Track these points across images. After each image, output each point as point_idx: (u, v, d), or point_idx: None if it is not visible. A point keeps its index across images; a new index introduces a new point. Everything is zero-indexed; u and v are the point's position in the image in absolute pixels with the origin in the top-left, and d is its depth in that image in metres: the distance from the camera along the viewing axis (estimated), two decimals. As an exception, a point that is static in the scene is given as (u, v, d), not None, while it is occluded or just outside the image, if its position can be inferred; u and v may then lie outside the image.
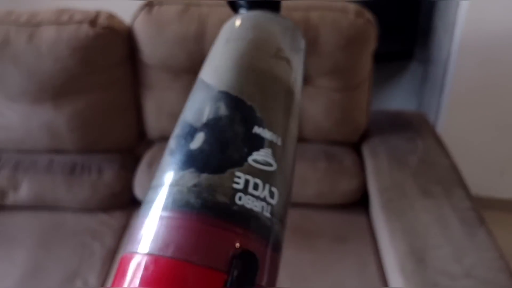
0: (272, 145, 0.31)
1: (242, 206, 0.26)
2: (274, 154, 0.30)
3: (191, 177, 0.28)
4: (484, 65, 1.64)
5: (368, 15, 1.27)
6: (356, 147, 1.45)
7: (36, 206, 1.38)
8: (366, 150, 1.40)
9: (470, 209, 1.12)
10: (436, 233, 1.06)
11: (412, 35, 3.18)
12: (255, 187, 0.28)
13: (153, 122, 1.43)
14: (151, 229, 0.26)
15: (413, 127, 1.47)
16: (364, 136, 1.45)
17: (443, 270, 0.96)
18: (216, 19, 1.26)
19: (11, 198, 1.36)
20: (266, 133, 0.31)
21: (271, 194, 0.28)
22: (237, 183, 0.27)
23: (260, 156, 0.29)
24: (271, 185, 0.29)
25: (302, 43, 0.40)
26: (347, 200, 1.35)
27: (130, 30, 1.33)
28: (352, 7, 1.27)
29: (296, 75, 0.37)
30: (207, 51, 1.35)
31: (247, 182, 0.27)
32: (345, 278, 1.15)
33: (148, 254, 0.25)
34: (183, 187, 0.27)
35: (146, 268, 0.24)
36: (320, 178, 1.33)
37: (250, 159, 0.29)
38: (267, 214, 0.27)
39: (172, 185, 0.28)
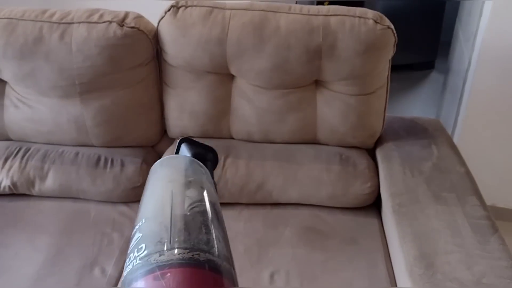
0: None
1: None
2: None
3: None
4: (503, 76, 1.64)
5: (387, 21, 1.29)
6: (370, 152, 1.48)
7: (60, 196, 1.44)
8: (380, 155, 1.43)
9: (483, 218, 1.13)
10: (447, 239, 1.07)
11: (434, 46, 3.20)
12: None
13: (174, 120, 1.48)
14: None
15: (429, 134, 1.49)
16: (379, 141, 1.48)
17: (453, 276, 0.97)
18: (238, 22, 1.30)
19: (38, 188, 1.43)
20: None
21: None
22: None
23: None
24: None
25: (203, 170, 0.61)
26: (359, 204, 1.37)
27: (156, 31, 1.39)
28: (372, 13, 1.29)
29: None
30: (229, 53, 1.41)
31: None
32: (354, 279, 1.17)
33: None
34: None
35: None
36: (333, 181, 1.36)
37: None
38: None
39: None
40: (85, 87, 1.38)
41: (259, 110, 1.40)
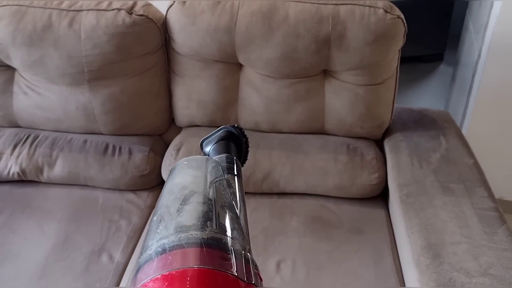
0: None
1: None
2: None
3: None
4: (513, 67, 1.63)
5: (397, 11, 1.28)
6: (378, 143, 1.47)
7: (69, 183, 1.45)
8: (388, 146, 1.42)
9: (491, 209, 1.13)
10: (454, 230, 1.07)
11: (443, 38, 3.17)
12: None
13: (182, 109, 1.48)
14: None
15: (437, 125, 1.48)
16: (387, 132, 1.47)
17: (459, 266, 0.97)
18: (247, 11, 1.30)
19: (47, 174, 1.44)
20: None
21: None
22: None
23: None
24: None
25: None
26: (367, 194, 1.37)
27: (165, 19, 1.38)
28: (382, 2, 1.28)
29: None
30: (237, 42, 1.40)
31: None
32: (360, 268, 1.18)
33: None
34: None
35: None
36: (340, 171, 1.36)
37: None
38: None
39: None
40: (94, 74, 1.38)
41: (267, 99, 1.40)
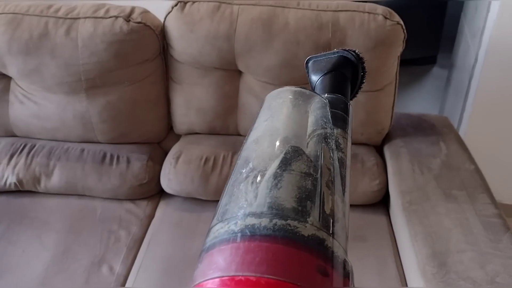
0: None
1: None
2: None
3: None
4: (510, 72, 1.63)
5: (397, 17, 1.28)
6: (378, 149, 1.47)
7: (66, 193, 1.43)
8: (388, 152, 1.42)
9: (494, 216, 1.13)
10: (459, 238, 1.07)
11: (437, 41, 3.19)
12: None
13: (181, 116, 1.47)
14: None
15: (437, 131, 1.48)
16: (387, 138, 1.47)
17: (466, 275, 0.97)
18: (247, 18, 1.29)
19: (44, 184, 1.41)
20: None
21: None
22: None
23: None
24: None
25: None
26: (368, 201, 1.36)
27: (163, 26, 1.37)
28: (381, 8, 1.28)
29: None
30: (237, 49, 1.39)
31: None
32: (364, 276, 1.17)
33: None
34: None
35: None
36: (342, 178, 1.35)
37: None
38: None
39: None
40: (91, 83, 1.36)
41: (267, 106, 1.39)
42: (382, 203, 1.40)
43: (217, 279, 0.27)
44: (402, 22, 1.28)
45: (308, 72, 0.52)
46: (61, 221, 1.35)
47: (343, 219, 0.33)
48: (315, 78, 0.51)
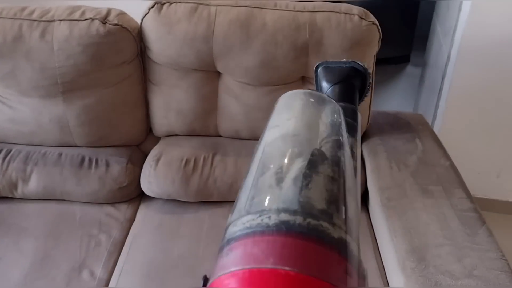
0: None
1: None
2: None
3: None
4: (482, 70, 1.68)
5: (372, 17, 1.31)
6: (357, 147, 1.49)
7: (44, 198, 1.41)
8: (366, 150, 1.44)
9: (470, 210, 1.16)
10: (436, 232, 1.09)
11: (409, 40, 3.25)
12: None
13: (160, 118, 1.46)
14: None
15: (412, 128, 1.51)
16: (364, 136, 1.49)
17: (444, 269, 0.99)
18: (225, 19, 1.29)
19: (21, 190, 1.39)
20: None
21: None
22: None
23: None
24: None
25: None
26: (348, 198, 1.38)
27: (140, 28, 1.36)
28: (357, 9, 1.30)
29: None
30: (215, 50, 1.38)
31: None
32: (345, 273, 1.19)
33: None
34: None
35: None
36: (322, 176, 1.36)
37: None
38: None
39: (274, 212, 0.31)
40: (68, 86, 1.34)
41: (246, 107, 1.40)
42: (361, 200, 1.42)
43: (255, 270, 0.27)
44: (377, 22, 1.31)
45: (317, 77, 0.55)
46: (39, 227, 1.33)
47: (358, 223, 0.35)
48: (326, 85, 0.54)
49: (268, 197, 0.32)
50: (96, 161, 1.41)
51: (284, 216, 0.30)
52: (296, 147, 0.37)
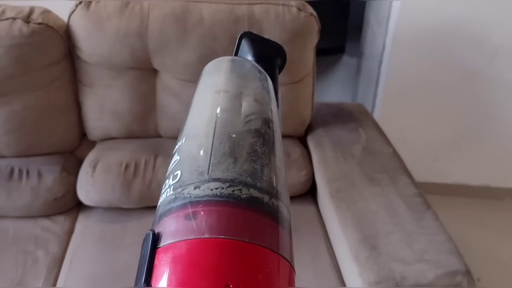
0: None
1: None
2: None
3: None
4: (417, 57, 1.73)
5: (310, 8, 1.30)
6: (302, 140, 1.48)
7: (-30, 216, 1.29)
8: (311, 142, 1.44)
9: (415, 195, 1.18)
10: (385, 220, 1.11)
11: (343, 31, 3.31)
12: None
13: (94, 121, 1.38)
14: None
15: (355, 118, 1.52)
16: (309, 128, 1.49)
17: (396, 256, 1.00)
18: (159, 14, 1.23)
19: None
20: None
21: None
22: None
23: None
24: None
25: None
26: (296, 192, 1.37)
27: (67, 26, 1.27)
28: (294, 2, 1.29)
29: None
30: (150, 47, 1.32)
31: None
32: (298, 266, 1.17)
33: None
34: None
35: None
36: (269, 172, 1.34)
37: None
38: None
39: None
40: (-10, 92, 1.23)
41: (188, 105, 1.34)
42: (309, 193, 1.41)
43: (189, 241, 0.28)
44: (315, 14, 1.30)
45: (239, 46, 0.55)
46: (-34, 247, 1.21)
47: (284, 179, 0.35)
48: (251, 59, 0.53)
49: (225, 165, 0.33)
50: (27, 171, 1.31)
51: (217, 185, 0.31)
52: (239, 115, 0.37)
